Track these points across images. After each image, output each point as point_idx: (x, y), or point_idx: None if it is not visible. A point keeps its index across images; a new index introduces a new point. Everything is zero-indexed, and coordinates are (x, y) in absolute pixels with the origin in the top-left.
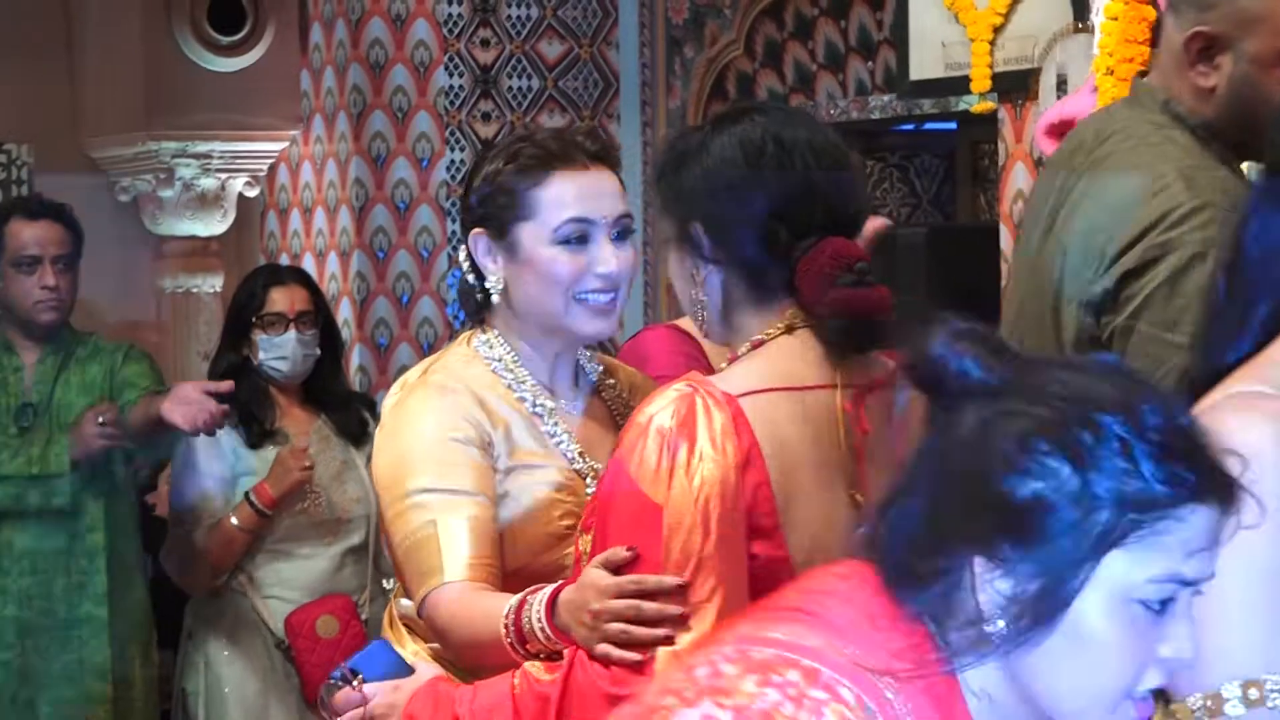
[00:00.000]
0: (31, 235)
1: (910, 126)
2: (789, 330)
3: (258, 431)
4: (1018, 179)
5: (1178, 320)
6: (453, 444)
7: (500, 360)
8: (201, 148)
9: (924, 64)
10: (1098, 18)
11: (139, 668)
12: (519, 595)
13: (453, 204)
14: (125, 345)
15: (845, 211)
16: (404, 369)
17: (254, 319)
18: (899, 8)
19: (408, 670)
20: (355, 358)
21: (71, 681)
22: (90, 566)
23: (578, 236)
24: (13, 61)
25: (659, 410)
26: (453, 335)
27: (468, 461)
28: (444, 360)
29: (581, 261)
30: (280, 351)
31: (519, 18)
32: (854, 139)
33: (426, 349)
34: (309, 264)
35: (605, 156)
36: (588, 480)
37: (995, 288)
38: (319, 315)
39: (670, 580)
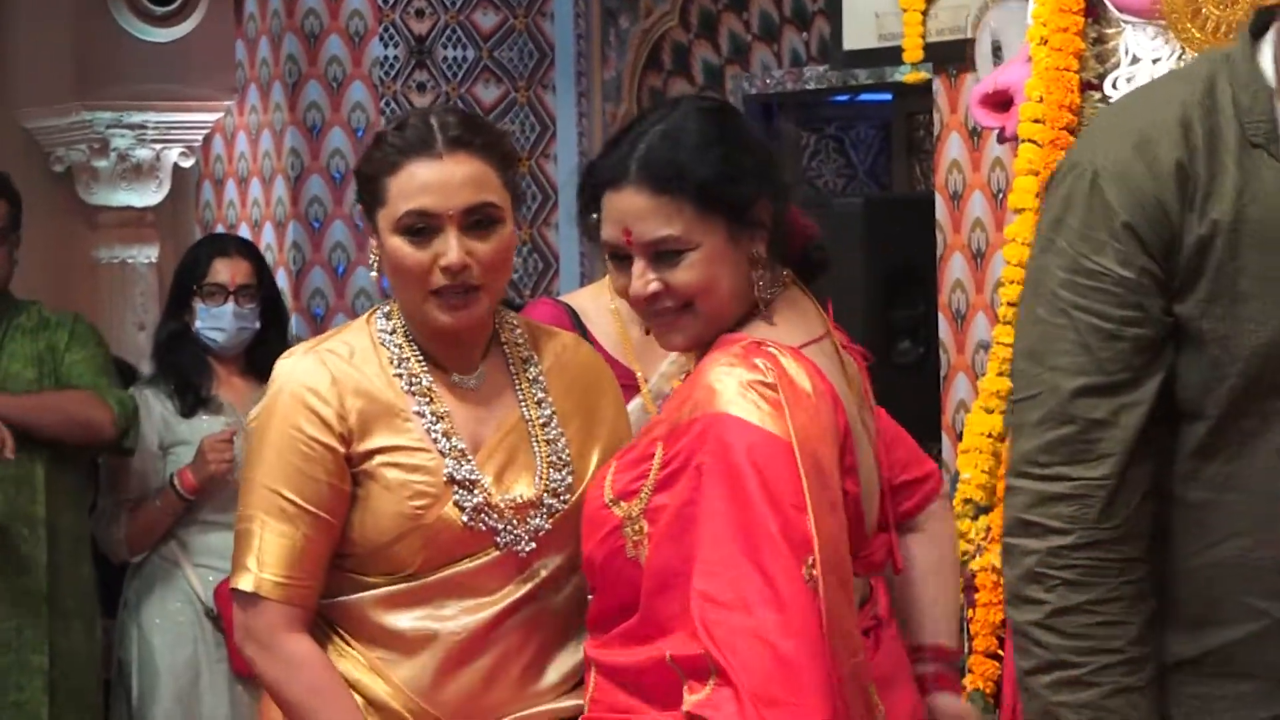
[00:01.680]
0: None
1: (845, 98)
2: (788, 285)
3: (191, 400)
4: (952, 149)
5: None
6: (315, 447)
7: (393, 334)
8: (136, 118)
9: (858, 34)
10: None
11: (83, 641)
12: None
13: None
14: (70, 317)
15: None
16: None
17: (195, 287)
18: None
19: None
20: (292, 328)
21: (8, 652)
22: (31, 536)
23: (421, 228)
24: None
25: (737, 366)
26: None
27: (324, 473)
28: (336, 335)
29: (427, 255)
30: (217, 322)
31: None
32: (789, 110)
33: None
34: (244, 234)
35: (469, 143)
36: (448, 460)
37: (931, 258)
38: (261, 288)
39: None
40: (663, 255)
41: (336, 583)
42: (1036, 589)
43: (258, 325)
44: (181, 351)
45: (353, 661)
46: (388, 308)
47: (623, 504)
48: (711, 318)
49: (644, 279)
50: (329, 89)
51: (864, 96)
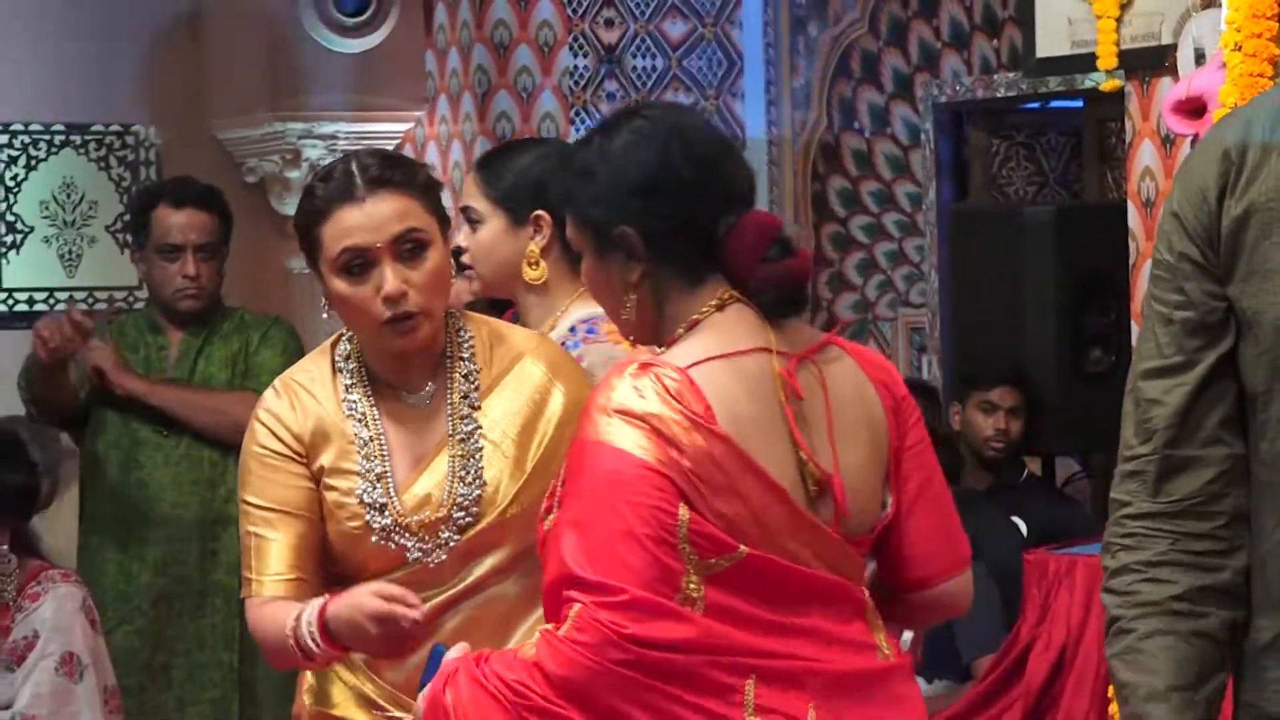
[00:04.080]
0: (176, 223)
1: (1036, 104)
2: (720, 308)
3: None
4: (1145, 156)
5: None
6: (268, 458)
7: (348, 359)
8: (327, 129)
9: (1050, 41)
10: None
11: None
12: (299, 608)
13: None
14: (268, 319)
15: (750, 184)
16: None
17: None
18: None
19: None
20: None
21: (203, 648)
22: (225, 534)
23: (358, 264)
24: (140, 44)
25: (619, 389)
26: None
27: (288, 478)
28: (309, 356)
29: (368, 288)
30: None
31: None
32: (979, 118)
33: None
34: None
35: (387, 181)
36: (362, 483)
37: (1123, 266)
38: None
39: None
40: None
41: (326, 579)
42: (1106, 557)
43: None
44: None
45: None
46: (349, 334)
47: (548, 519)
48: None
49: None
50: (519, 99)
51: (1054, 103)
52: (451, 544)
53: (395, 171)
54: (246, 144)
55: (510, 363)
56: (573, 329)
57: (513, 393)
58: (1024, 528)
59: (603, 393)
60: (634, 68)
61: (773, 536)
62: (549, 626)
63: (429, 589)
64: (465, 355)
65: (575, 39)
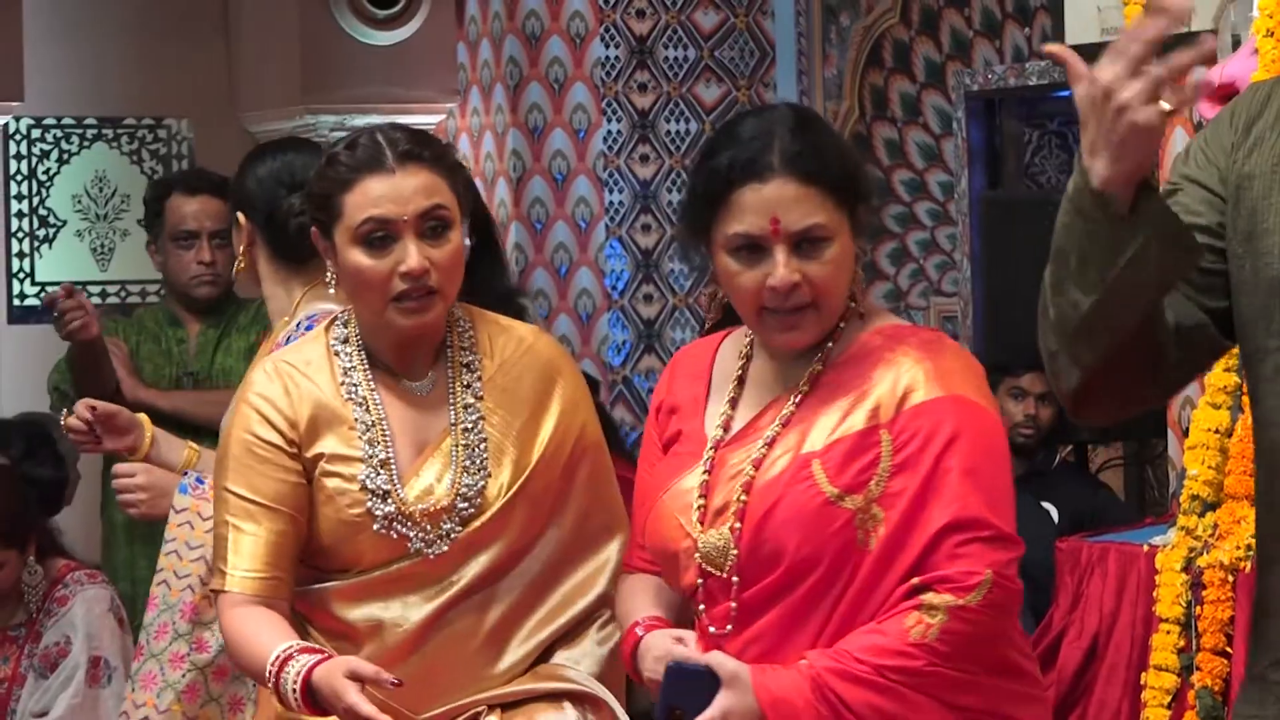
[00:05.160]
0: (190, 210)
1: (1068, 92)
2: None
3: None
4: (1177, 143)
5: None
6: (255, 445)
7: (346, 343)
8: (359, 121)
9: (1080, 29)
10: None
11: None
12: (284, 647)
13: (610, 175)
14: None
15: None
16: (563, 339)
17: None
18: None
19: (711, 674)
20: None
21: None
22: None
23: (380, 236)
24: (171, 37)
25: (946, 351)
26: (610, 306)
27: (275, 470)
28: (300, 339)
29: (386, 262)
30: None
31: None
32: (1011, 106)
33: (585, 319)
34: None
35: (418, 156)
36: (365, 468)
37: None
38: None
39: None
40: (804, 245)
41: (303, 575)
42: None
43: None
44: None
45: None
46: (345, 317)
47: (851, 497)
48: (829, 317)
49: (789, 267)
50: (550, 90)
51: None
52: (454, 535)
53: (426, 148)
54: (278, 136)
55: (513, 355)
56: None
57: (516, 385)
58: (1055, 514)
59: (962, 354)
60: (666, 58)
61: None
62: (938, 597)
63: (425, 586)
64: (465, 345)
65: (606, 30)
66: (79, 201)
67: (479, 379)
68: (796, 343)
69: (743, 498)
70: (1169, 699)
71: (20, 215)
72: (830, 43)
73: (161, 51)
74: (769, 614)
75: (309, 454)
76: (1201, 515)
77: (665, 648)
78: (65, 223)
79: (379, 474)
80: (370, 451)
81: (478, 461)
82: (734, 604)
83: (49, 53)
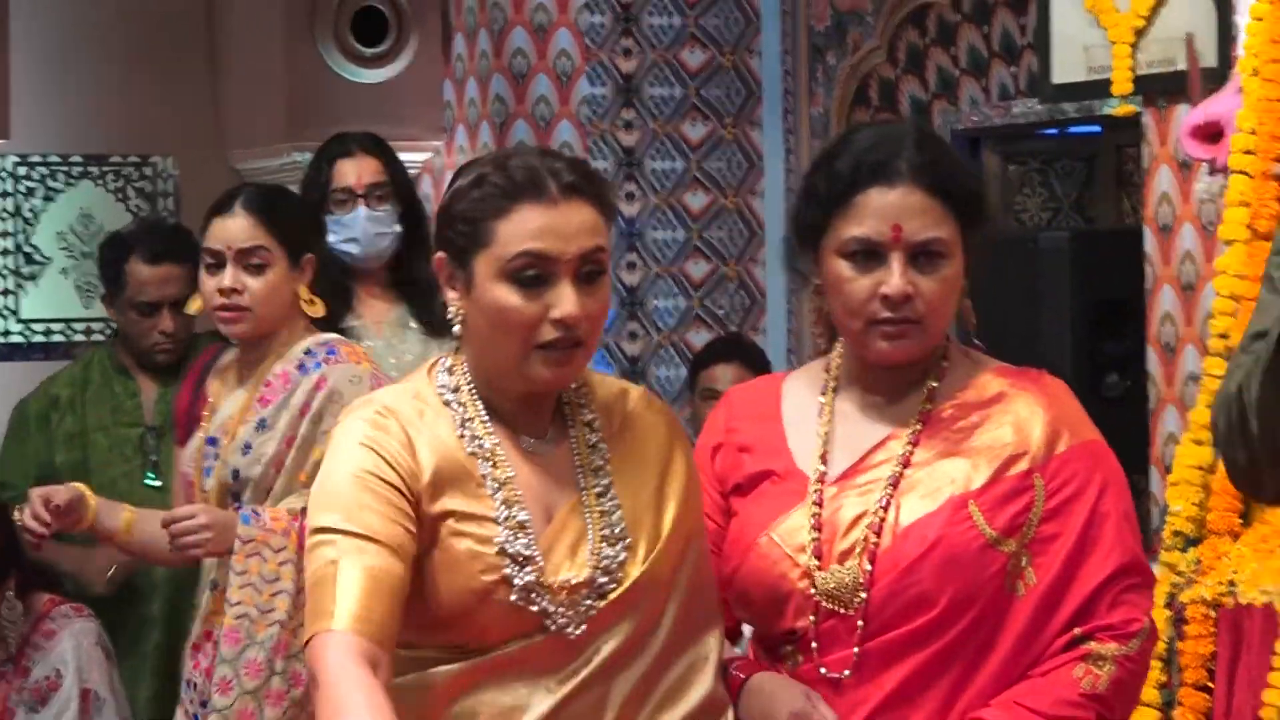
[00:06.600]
0: (151, 280)
1: (1054, 131)
2: None
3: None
4: (1162, 182)
5: None
6: (370, 483)
7: (457, 391)
8: None
9: (1067, 68)
10: (1242, 18)
11: None
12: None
13: None
14: None
15: None
16: None
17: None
18: (1041, 12)
19: None
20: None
21: None
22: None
23: (533, 275)
24: (156, 74)
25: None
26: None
27: (382, 505)
28: (398, 387)
29: (537, 305)
30: (349, 231)
31: (661, 26)
32: (994, 143)
33: None
34: None
35: (583, 190)
36: (503, 531)
37: (1139, 291)
38: (397, 190)
39: None
40: (920, 259)
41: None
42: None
43: (398, 229)
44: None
45: None
46: (449, 362)
47: (1008, 541)
48: (933, 336)
49: (905, 277)
50: (537, 128)
51: (1072, 129)
52: (592, 613)
53: (592, 183)
54: (265, 175)
55: (631, 416)
56: (309, 351)
57: (640, 449)
58: None
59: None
60: (652, 96)
61: None
62: (1103, 647)
63: (555, 670)
64: (583, 401)
65: (593, 68)
66: (64, 239)
67: (602, 440)
68: (898, 355)
69: (873, 539)
70: None
71: (5, 253)
72: (817, 81)
73: (148, 89)
74: (906, 660)
75: (432, 510)
76: (1184, 551)
77: (798, 705)
78: (50, 260)
79: (517, 537)
80: (507, 513)
81: (616, 529)
82: (857, 649)
83: (35, 90)
